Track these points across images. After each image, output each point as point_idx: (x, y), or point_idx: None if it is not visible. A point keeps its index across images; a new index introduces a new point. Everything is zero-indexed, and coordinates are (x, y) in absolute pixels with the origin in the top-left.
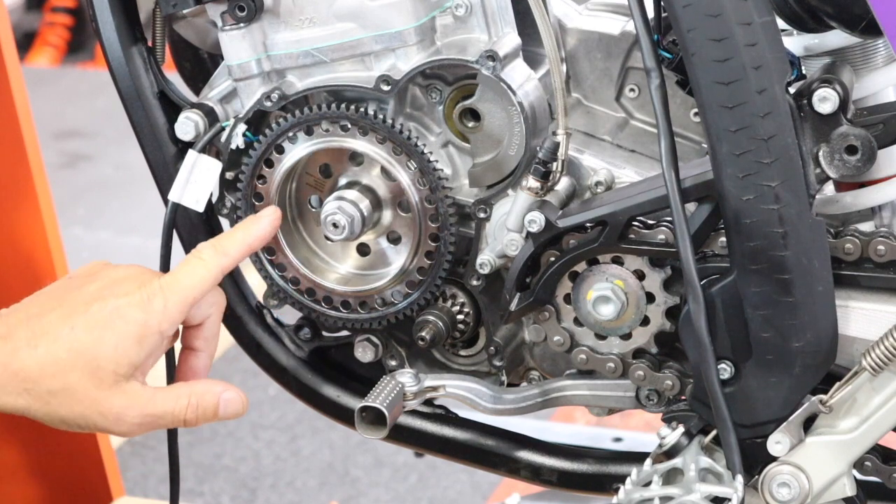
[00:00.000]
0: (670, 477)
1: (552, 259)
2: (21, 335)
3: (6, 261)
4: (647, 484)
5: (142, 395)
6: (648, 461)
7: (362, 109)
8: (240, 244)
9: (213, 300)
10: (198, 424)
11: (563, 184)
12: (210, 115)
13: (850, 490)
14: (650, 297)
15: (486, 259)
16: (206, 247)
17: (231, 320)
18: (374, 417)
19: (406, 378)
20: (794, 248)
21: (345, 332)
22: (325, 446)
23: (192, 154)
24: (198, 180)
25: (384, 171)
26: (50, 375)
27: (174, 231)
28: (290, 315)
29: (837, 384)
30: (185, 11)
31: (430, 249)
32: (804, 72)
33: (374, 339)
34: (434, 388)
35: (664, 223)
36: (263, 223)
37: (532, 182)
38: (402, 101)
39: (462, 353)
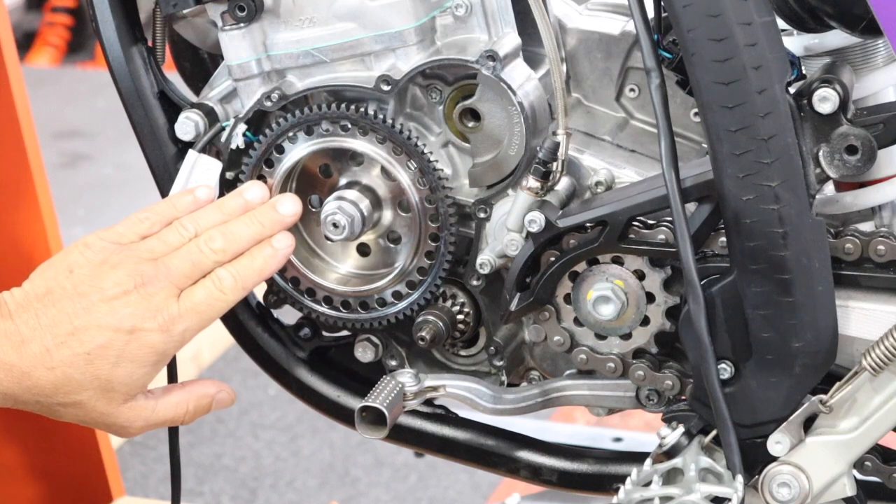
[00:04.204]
0: (670, 477)
1: (552, 259)
2: (35, 350)
3: (6, 261)
4: (647, 484)
5: (146, 408)
6: (648, 461)
7: (362, 109)
8: (257, 277)
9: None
10: (192, 422)
11: (563, 184)
12: (210, 115)
13: (850, 490)
14: (650, 297)
15: (486, 259)
16: (227, 277)
17: (231, 320)
18: (374, 417)
19: (406, 378)
20: (794, 248)
21: (345, 332)
22: (325, 446)
23: (192, 154)
24: (198, 180)
25: (384, 171)
26: (63, 393)
27: None
28: (290, 315)
29: (837, 384)
30: (185, 11)
31: (430, 249)
32: (804, 72)
33: (374, 339)
34: (434, 388)
35: (664, 223)
36: (280, 257)
37: (532, 182)
38: (402, 101)
39: (462, 353)
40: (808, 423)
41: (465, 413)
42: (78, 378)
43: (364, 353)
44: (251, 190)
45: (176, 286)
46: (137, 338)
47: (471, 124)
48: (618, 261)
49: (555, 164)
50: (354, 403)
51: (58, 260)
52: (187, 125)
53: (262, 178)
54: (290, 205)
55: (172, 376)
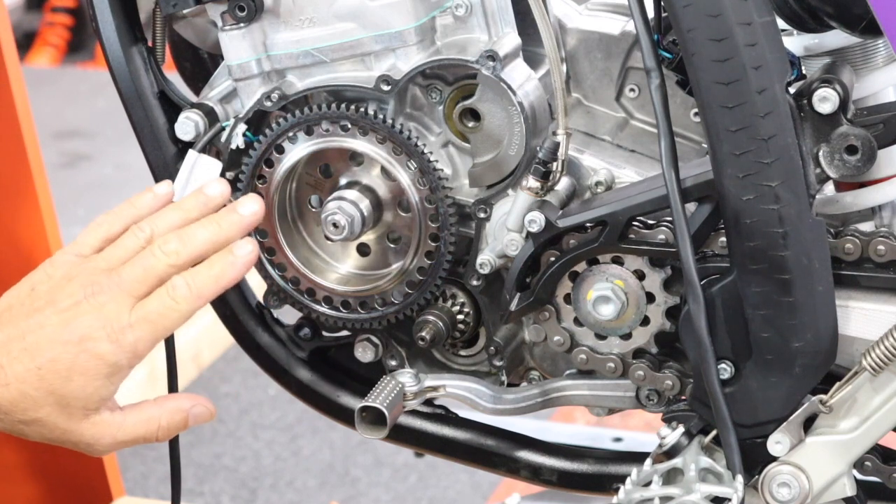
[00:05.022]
0: (670, 477)
1: (552, 259)
2: None
3: (6, 261)
4: (647, 484)
5: (111, 424)
6: (648, 461)
7: (362, 109)
8: (214, 286)
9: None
10: (168, 439)
11: (563, 184)
12: (210, 115)
13: (850, 490)
14: (650, 297)
15: (486, 259)
16: (181, 285)
17: (231, 320)
18: (374, 417)
19: (406, 378)
20: (794, 248)
21: (345, 332)
22: (325, 446)
23: (192, 154)
24: (198, 180)
25: (384, 171)
26: (21, 410)
27: None
28: (290, 315)
29: (837, 384)
30: (185, 11)
31: (430, 249)
32: (804, 72)
33: (374, 339)
34: (434, 388)
35: (664, 223)
36: (240, 264)
37: (532, 182)
38: (402, 101)
39: (462, 353)
40: (808, 423)
41: (465, 413)
42: (33, 394)
43: (364, 353)
44: (211, 186)
45: (129, 294)
46: (86, 349)
47: (471, 124)
48: (618, 261)
49: (555, 164)
50: (354, 403)
51: (25, 278)
52: (187, 125)
53: (261, 177)
54: (250, 205)
55: (172, 377)
